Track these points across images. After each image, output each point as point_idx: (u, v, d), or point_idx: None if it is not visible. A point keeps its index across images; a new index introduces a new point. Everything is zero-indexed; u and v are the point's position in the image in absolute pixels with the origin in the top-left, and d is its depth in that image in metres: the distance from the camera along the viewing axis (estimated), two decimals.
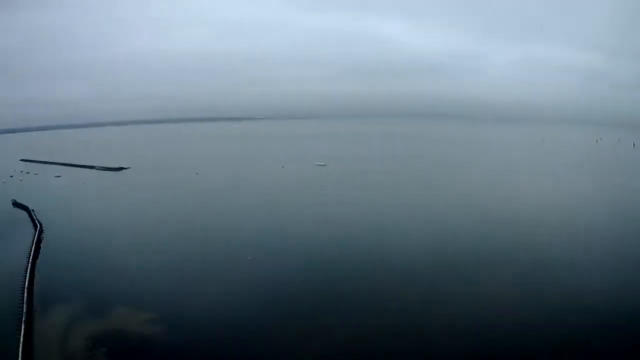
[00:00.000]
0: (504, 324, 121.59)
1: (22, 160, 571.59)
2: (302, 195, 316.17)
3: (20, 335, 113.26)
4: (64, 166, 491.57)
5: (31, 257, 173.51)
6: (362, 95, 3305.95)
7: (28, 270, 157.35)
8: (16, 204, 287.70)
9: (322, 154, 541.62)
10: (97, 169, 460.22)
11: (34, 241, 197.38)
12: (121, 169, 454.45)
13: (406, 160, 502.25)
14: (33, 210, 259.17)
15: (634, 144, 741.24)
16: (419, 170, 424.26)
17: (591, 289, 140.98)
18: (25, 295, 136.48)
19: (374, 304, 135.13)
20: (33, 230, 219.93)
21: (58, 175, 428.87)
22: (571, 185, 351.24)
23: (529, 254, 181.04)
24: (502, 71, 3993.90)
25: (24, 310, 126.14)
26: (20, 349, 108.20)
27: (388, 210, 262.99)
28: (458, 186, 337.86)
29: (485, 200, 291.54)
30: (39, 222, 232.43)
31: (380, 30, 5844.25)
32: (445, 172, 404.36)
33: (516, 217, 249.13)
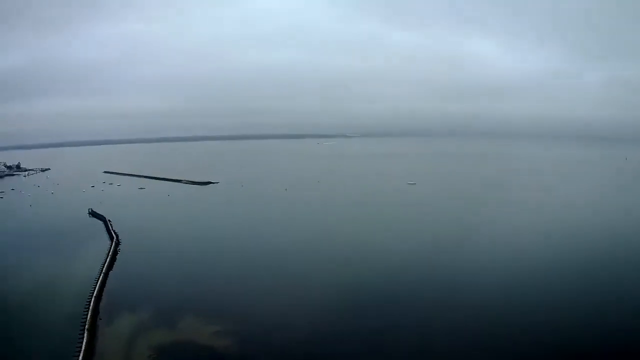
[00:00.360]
0: None
1: (105, 172, 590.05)
2: (391, 213, 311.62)
3: (83, 342, 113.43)
4: (149, 179, 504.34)
5: (105, 267, 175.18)
6: (455, 114, 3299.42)
7: (99, 280, 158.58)
8: (93, 214, 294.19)
9: (413, 173, 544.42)
10: (183, 183, 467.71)
11: (110, 252, 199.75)
12: (209, 183, 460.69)
13: (493, 179, 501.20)
14: (110, 221, 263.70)
15: None
16: (504, 189, 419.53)
17: None
18: (92, 303, 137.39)
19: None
20: (109, 241, 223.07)
21: (142, 187, 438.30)
22: None
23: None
24: (588, 90, 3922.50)
25: (88, 318, 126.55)
26: (81, 356, 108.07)
27: (474, 231, 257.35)
28: (540, 206, 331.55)
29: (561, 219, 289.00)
30: (115, 233, 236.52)
31: (473, 49, 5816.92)
32: (526, 193, 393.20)
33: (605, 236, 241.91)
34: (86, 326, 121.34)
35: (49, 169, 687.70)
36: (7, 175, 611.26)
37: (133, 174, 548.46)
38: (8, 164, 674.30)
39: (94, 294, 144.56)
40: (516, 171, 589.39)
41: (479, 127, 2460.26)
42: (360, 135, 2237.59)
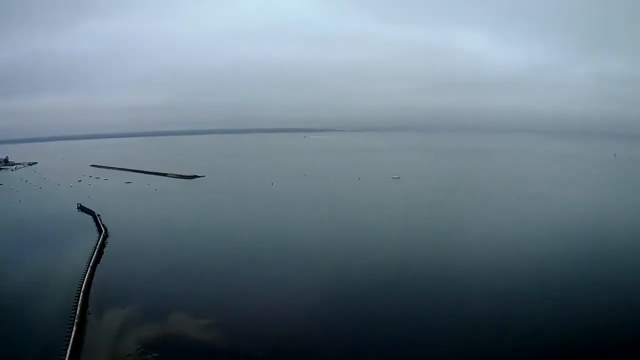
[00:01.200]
0: None
1: (92, 165, 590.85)
2: (373, 207, 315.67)
3: (71, 336, 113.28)
4: (135, 173, 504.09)
5: (92, 261, 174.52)
6: (444, 108, 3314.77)
7: (87, 274, 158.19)
8: (82, 208, 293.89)
9: (399, 167, 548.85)
10: (170, 177, 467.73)
11: (97, 245, 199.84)
12: (195, 177, 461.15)
13: (476, 173, 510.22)
14: (99, 215, 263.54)
15: None
16: (487, 183, 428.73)
17: None
18: (81, 297, 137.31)
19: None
20: (97, 235, 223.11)
21: (129, 181, 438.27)
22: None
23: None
24: (582, 84, 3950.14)
25: (77, 312, 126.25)
26: (69, 350, 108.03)
27: (452, 224, 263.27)
28: (526, 200, 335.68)
29: (545, 212, 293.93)
30: (104, 226, 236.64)
31: (464, 44, 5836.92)
32: (517, 187, 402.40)
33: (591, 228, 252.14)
34: (75, 320, 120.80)
35: (36, 162, 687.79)
36: None
37: (120, 167, 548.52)
38: None
39: (82, 288, 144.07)
40: (502, 166, 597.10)
41: (469, 121, 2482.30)
42: (349, 129, 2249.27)
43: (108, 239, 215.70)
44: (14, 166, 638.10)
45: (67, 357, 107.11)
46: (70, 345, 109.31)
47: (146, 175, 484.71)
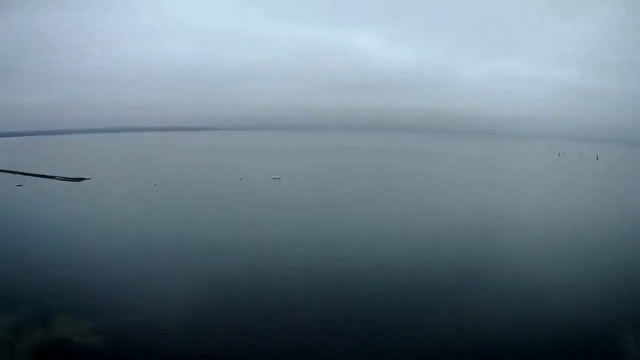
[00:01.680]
0: None
1: None
2: (254, 208, 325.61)
3: None
4: (26, 175, 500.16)
5: None
6: (333, 108, 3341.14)
7: None
8: None
9: (281, 167, 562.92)
10: (57, 179, 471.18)
11: None
12: (81, 179, 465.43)
13: (365, 173, 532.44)
14: None
15: (597, 157, 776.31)
16: (375, 183, 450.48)
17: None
18: None
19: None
20: None
21: (20, 184, 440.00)
22: (518, 197, 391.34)
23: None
24: (474, 86, 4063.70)
25: None
26: None
27: (339, 224, 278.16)
28: (409, 200, 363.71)
29: (425, 212, 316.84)
30: None
31: (354, 44, 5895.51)
32: (399, 186, 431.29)
33: (466, 228, 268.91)
34: None
35: None
36: None
37: (10, 170, 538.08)
38: None
39: None
40: (384, 164, 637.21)
41: (360, 121, 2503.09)
42: (235, 128, 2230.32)
43: None
44: None
45: None
46: None
47: (36, 178, 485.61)
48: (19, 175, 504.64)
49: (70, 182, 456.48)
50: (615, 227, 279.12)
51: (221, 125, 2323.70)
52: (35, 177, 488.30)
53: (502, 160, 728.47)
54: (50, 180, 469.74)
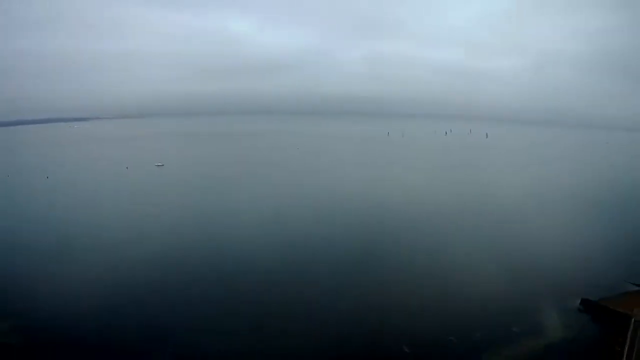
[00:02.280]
0: None
1: None
2: (134, 194, 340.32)
3: None
4: None
5: None
6: (208, 94, 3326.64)
7: None
8: None
9: (163, 154, 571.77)
10: None
11: None
12: None
13: (248, 158, 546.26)
14: None
15: (486, 135, 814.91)
16: (256, 168, 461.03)
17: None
18: None
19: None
20: None
21: None
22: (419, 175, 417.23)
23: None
24: (350, 68, 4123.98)
25: None
26: None
27: (225, 208, 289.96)
28: (291, 181, 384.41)
29: (321, 193, 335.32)
30: None
31: (227, 28, 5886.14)
32: (287, 170, 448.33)
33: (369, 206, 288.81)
34: None
35: None
36: None
37: None
38: None
39: None
40: (266, 149, 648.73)
41: (237, 106, 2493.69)
42: (114, 117, 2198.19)
43: None
44: None
45: None
46: None
47: None
48: None
49: None
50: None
51: (100, 115, 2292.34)
52: None
53: (391, 139, 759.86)
54: None
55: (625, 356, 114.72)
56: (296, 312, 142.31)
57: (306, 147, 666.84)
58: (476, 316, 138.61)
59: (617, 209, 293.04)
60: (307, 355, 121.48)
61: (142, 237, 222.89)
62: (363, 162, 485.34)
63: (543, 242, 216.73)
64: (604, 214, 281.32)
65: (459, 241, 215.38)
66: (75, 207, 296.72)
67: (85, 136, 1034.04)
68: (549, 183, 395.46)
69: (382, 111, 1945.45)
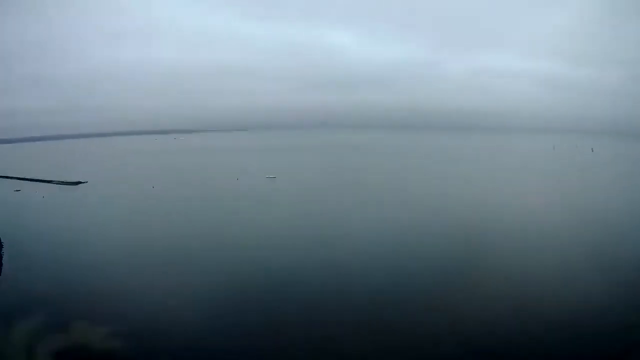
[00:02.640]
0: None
1: None
2: (254, 206, 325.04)
3: None
4: (22, 180, 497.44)
5: None
6: (314, 106, 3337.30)
7: None
8: None
9: (273, 166, 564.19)
10: (54, 183, 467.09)
11: None
12: (78, 183, 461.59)
13: (355, 171, 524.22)
14: None
15: (592, 149, 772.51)
16: (367, 180, 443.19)
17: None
18: None
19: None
20: None
21: (18, 189, 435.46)
22: (527, 191, 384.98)
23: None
24: (458, 80, 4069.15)
25: None
26: None
27: (340, 221, 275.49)
28: (407, 196, 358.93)
29: (437, 208, 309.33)
30: None
31: (332, 41, 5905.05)
32: (392, 183, 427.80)
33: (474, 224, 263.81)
34: None
35: None
36: None
37: (7, 175, 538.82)
38: None
39: None
40: (379, 163, 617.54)
41: (342, 118, 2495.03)
42: (220, 129, 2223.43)
43: (3, 250, 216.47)
44: None
45: None
46: None
47: (33, 182, 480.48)
48: (16, 180, 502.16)
49: (67, 186, 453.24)
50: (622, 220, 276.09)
51: (204, 127, 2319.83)
52: (33, 182, 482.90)
53: (497, 155, 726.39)
54: (48, 184, 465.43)
55: None
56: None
57: (409, 159, 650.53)
58: None
59: None
60: None
61: (252, 248, 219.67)
62: (475, 179, 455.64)
63: None
64: None
65: None
66: (184, 217, 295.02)
67: (193, 148, 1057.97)
68: None
69: (485, 124, 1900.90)
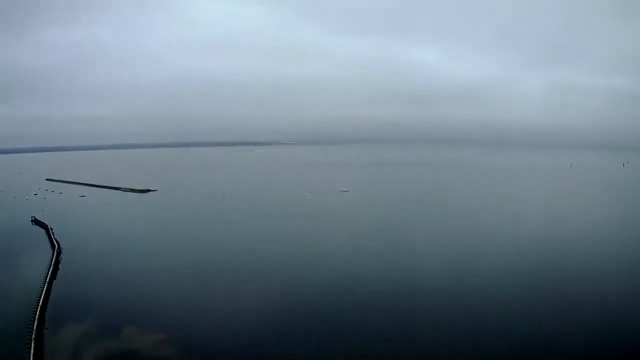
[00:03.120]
0: None
1: (47, 179, 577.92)
2: (326, 220, 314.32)
3: (30, 354, 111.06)
4: (89, 187, 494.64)
5: (48, 277, 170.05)
6: (396, 121, 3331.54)
7: (44, 290, 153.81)
8: (35, 222, 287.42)
9: (347, 180, 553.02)
10: (122, 190, 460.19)
11: (52, 260, 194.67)
12: (147, 190, 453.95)
13: (432, 185, 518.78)
14: (52, 229, 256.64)
15: None
16: (442, 195, 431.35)
17: None
18: (38, 313, 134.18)
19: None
20: (51, 249, 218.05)
21: (83, 195, 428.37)
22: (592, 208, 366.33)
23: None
24: (535, 97, 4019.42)
25: (34, 328, 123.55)
26: None
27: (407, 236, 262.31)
28: (473, 211, 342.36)
29: (504, 225, 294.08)
30: (57, 241, 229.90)
31: (415, 56, 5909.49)
32: (462, 198, 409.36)
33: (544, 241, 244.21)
34: (33, 336, 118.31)
35: None
36: None
37: (75, 181, 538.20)
38: None
39: (40, 304, 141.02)
40: (458, 179, 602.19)
41: (422, 134, 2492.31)
42: (296, 142, 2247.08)
43: (62, 255, 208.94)
44: None
45: None
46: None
47: (100, 189, 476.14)
48: (84, 186, 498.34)
49: (136, 193, 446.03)
50: None
51: (284, 140, 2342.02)
52: (101, 188, 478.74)
53: (572, 172, 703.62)
54: (115, 191, 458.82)
55: None
56: None
57: (486, 179, 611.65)
58: None
59: None
60: None
61: (319, 260, 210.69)
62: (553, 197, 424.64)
63: None
64: None
65: None
66: (252, 228, 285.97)
67: (268, 160, 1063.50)
68: None
69: (558, 141, 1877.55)
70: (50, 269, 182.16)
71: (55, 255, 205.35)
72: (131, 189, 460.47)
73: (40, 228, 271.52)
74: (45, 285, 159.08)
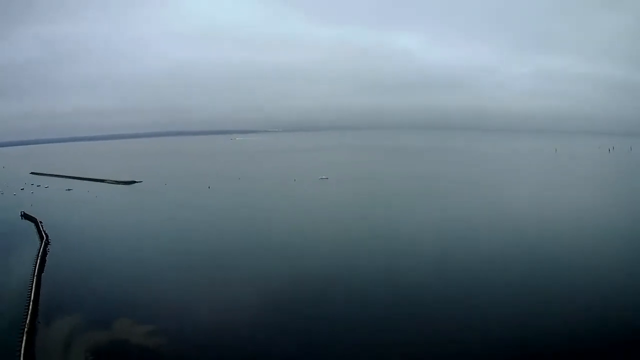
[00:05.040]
0: None
1: (32, 173, 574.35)
2: (300, 207, 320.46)
3: (22, 347, 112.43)
4: (75, 179, 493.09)
5: (37, 270, 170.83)
6: (376, 109, 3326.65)
7: (34, 283, 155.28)
8: (25, 216, 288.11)
9: (327, 167, 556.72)
10: (108, 183, 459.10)
11: (39, 253, 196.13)
12: (133, 182, 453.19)
13: (415, 172, 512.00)
14: (41, 222, 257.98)
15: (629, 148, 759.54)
16: (424, 182, 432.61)
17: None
18: (31, 306, 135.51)
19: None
20: (39, 242, 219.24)
21: (69, 188, 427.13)
22: (577, 192, 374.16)
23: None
24: (520, 84, 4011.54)
25: (27, 322, 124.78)
26: (22, 358, 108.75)
27: (386, 222, 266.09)
28: (459, 198, 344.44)
29: (490, 210, 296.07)
30: (45, 234, 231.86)
31: (397, 44, 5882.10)
32: (449, 184, 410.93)
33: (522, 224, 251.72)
34: (25, 329, 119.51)
35: None
36: None
37: (60, 174, 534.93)
38: None
39: (32, 297, 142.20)
40: (436, 163, 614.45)
41: (404, 120, 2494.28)
42: (276, 130, 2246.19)
43: (50, 247, 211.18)
44: None
45: None
46: (22, 355, 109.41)
47: (85, 182, 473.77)
48: (70, 179, 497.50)
49: (121, 185, 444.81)
50: None
51: (262, 128, 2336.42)
52: (86, 181, 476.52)
53: (557, 157, 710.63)
54: (101, 183, 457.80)
55: None
56: None
57: (471, 163, 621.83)
58: None
59: None
60: None
61: (298, 248, 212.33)
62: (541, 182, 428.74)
63: None
64: None
65: None
66: (238, 218, 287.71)
67: (249, 148, 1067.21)
68: None
69: (545, 127, 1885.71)
70: (38, 261, 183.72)
71: (42, 247, 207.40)
72: (117, 181, 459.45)
73: (30, 222, 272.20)
74: (35, 278, 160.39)
